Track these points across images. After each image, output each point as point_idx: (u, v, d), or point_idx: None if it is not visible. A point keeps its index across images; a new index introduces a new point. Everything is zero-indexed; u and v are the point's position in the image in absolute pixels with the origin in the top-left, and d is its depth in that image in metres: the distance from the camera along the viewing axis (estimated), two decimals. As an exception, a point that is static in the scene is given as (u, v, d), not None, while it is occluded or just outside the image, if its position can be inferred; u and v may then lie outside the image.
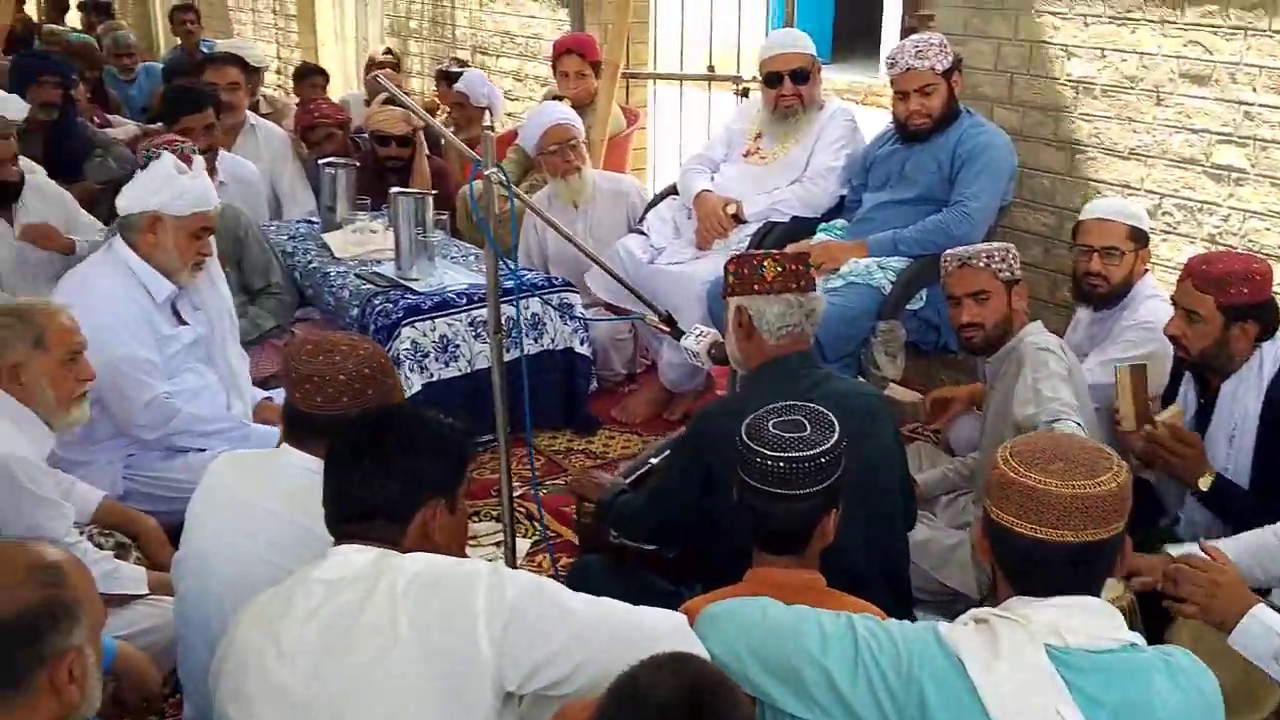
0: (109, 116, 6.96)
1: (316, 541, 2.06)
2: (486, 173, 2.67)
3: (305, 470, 2.24)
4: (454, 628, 1.71)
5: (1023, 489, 1.64)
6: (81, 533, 2.85)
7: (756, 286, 2.60)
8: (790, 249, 3.93)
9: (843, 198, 4.36)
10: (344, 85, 9.20)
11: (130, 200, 3.42)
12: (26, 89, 5.23)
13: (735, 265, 2.66)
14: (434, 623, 1.72)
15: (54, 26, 9.54)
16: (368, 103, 6.89)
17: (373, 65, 7.76)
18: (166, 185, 3.40)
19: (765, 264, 2.61)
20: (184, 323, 3.53)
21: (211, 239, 3.55)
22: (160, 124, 6.22)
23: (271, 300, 4.38)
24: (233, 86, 5.44)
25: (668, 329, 3.17)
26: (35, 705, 1.51)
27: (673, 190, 4.78)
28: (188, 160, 3.58)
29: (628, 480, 3.02)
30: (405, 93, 7.17)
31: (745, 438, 2.09)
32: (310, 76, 7.02)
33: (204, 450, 3.36)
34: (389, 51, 8.36)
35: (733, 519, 2.22)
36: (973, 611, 1.71)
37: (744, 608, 1.80)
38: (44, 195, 4.49)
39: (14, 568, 1.52)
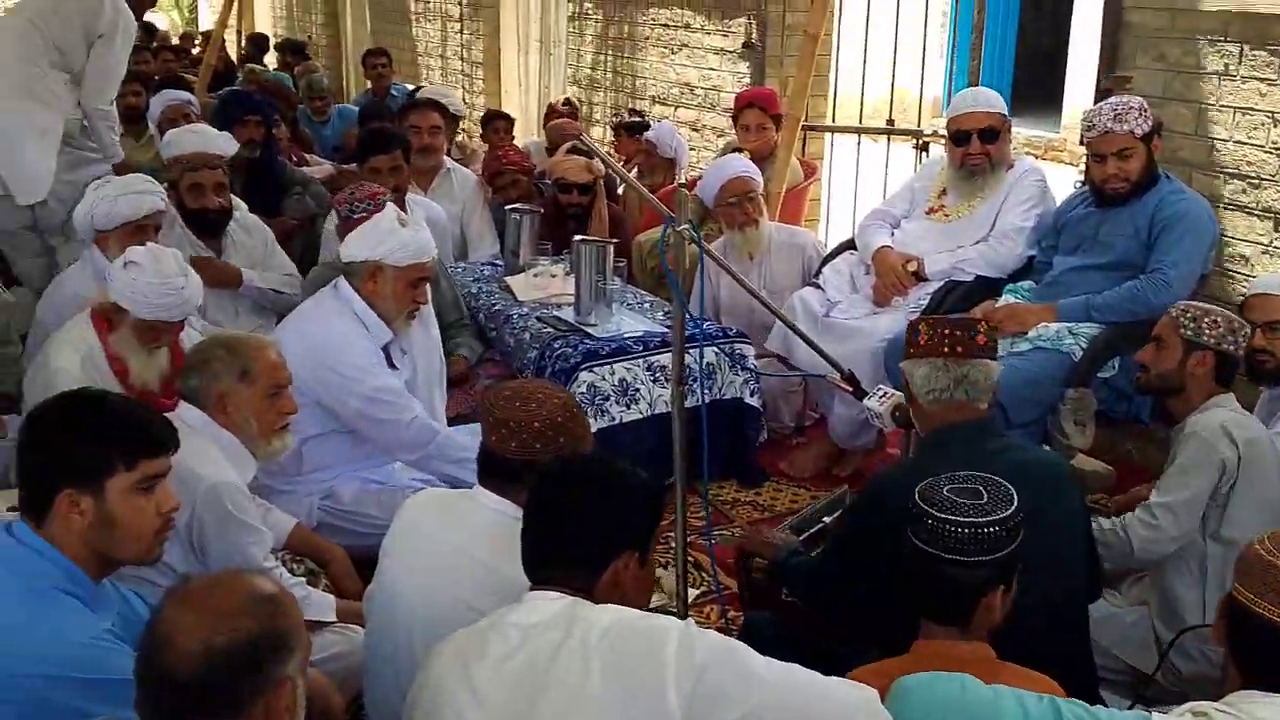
0: (305, 155, 7.31)
1: (507, 584, 2.11)
2: (679, 228, 2.70)
3: (497, 513, 2.30)
4: (644, 683, 1.73)
5: (1272, 570, 1.59)
6: (276, 559, 2.98)
7: (911, 349, 2.61)
8: (977, 310, 3.86)
9: (1030, 259, 4.27)
10: (525, 132, 9.47)
11: (354, 249, 3.61)
12: (231, 126, 5.54)
13: (908, 328, 2.68)
14: (625, 676, 1.74)
15: (254, 66, 10.09)
16: (549, 150, 7.07)
17: (552, 114, 7.98)
18: (390, 237, 3.57)
19: (921, 327, 2.61)
20: (394, 366, 3.68)
21: (427, 287, 3.71)
22: (354, 164, 6.56)
23: (468, 330, 4.58)
24: (434, 130, 5.65)
25: (850, 388, 3.14)
26: None
27: (850, 244, 4.76)
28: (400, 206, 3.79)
29: (800, 539, 3.00)
30: (586, 141, 7.36)
31: (918, 498, 2.07)
32: (495, 121, 7.28)
33: (399, 490, 3.50)
34: (568, 101, 8.59)
35: (904, 586, 2.19)
36: (1191, 705, 1.65)
37: (940, 683, 1.77)
38: (247, 229, 4.75)
39: (237, 598, 1.60)
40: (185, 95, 6.49)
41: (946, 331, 2.58)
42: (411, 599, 2.30)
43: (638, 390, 4.21)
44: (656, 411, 4.20)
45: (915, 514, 2.05)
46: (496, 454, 2.29)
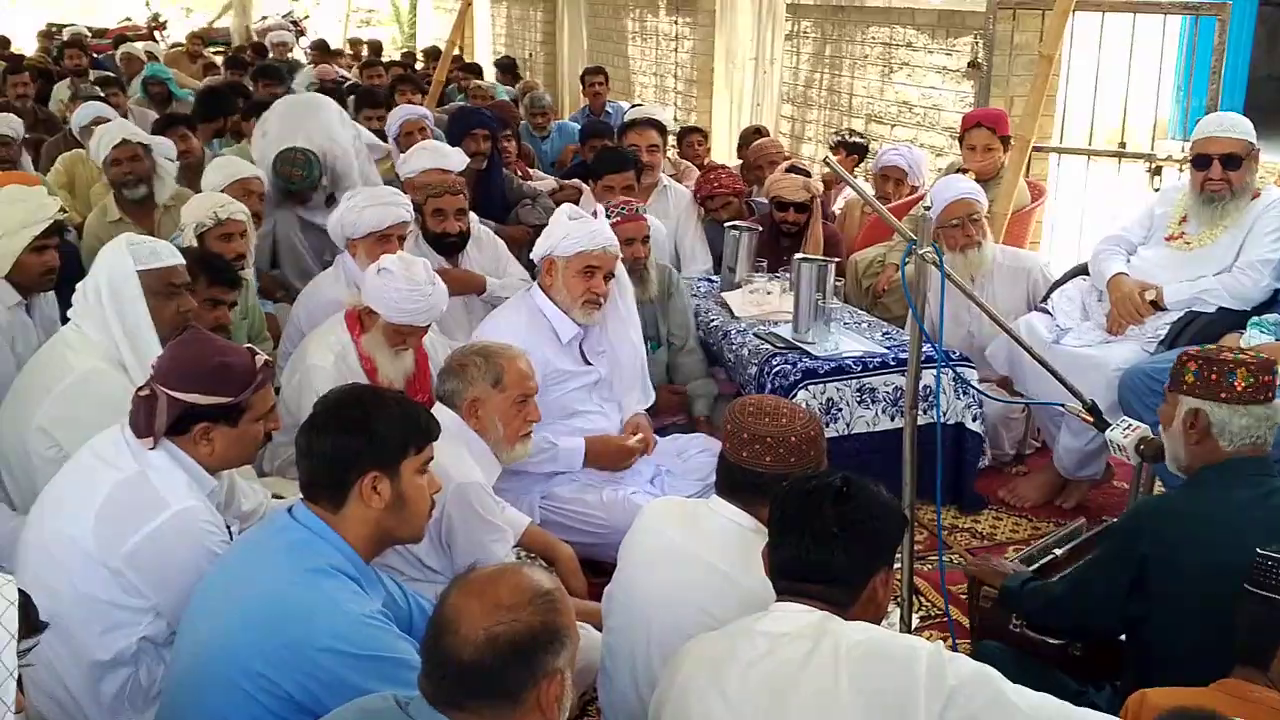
0: (529, 170, 7.56)
1: (744, 593, 2.17)
2: (920, 251, 2.70)
3: (735, 525, 2.36)
4: (893, 700, 1.75)
5: None
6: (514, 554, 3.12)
7: (1223, 394, 2.47)
8: (1223, 343, 3.71)
9: (1276, 292, 4.07)
10: (731, 149, 9.55)
11: (537, 248, 3.90)
12: (459, 140, 5.79)
13: (1199, 365, 2.54)
14: (874, 691, 1.76)
15: (479, 82, 10.49)
16: (745, 170, 7.05)
17: (746, 139, 7.96)
18: (557, 229, 3.83)
19: (1238, 372, 2.47)
20: (588, 363, 3.80)
21: (612, 283, 3.85)
22: (575, 179, 6.76)
23: (696, 358, 4.68)
24: (652, 149, 5.80)
25: (1090, 418, 3.07)
26: None
27: (1082, 269, 4.63)
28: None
29: (1031, 569, 2.95)
30: (798, 159, 7.38)
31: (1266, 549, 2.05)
32: (690, 135, 7.53)
33: (620, 490, 3.60)
34: (758, 130, 8.53)
35: (1166, 621, 2.14)
36: None
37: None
38: (480, 242, 4.96)
39: (520, 591, 1.70)
40: (421, 110, 6.77)
41: (1266, 379, 2.48)
42: (652, 602, 2.38)
43: (839, 410, 4.21)
44: (853, 431, 4.21)
45: (1265, 562, 2.03)
46: (746, 468, 2.34)
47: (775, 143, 7.54)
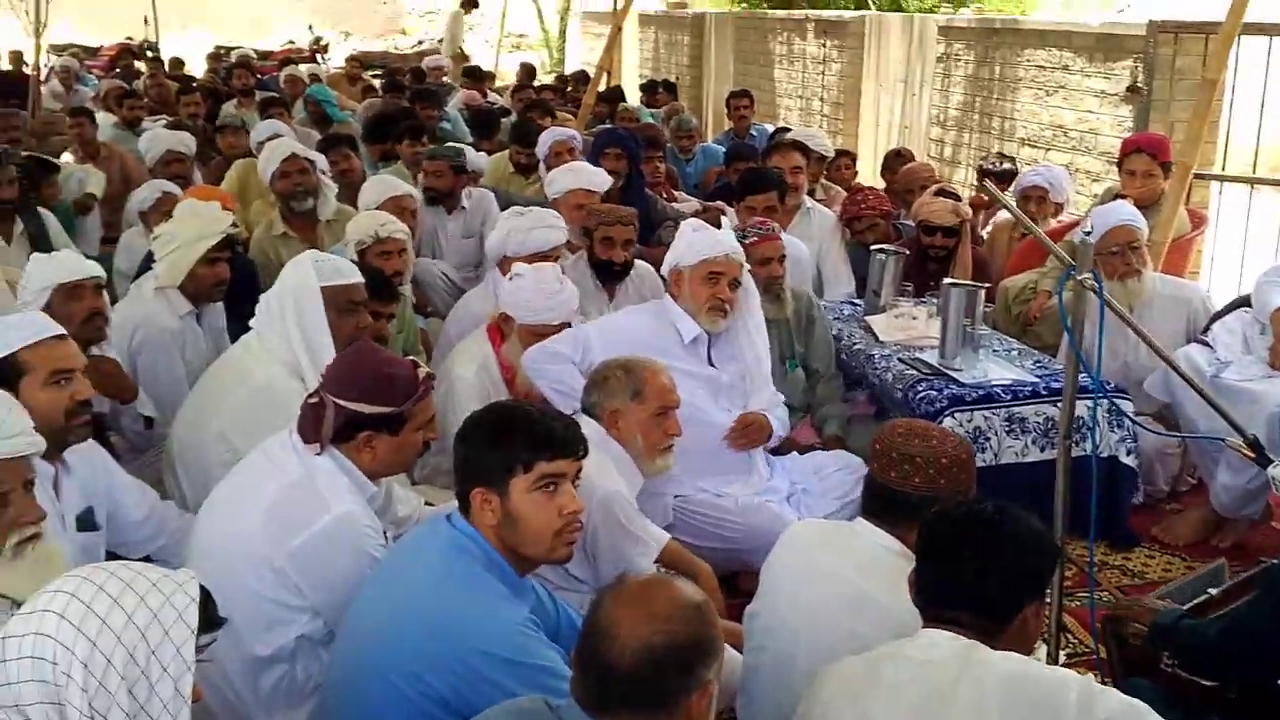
0: (674, 192, 7.63)
1: (890, 617, 2.16)
2: (1081, 277, 2.65)
3: (880, 546, 2.35)
4: (1042, 730, 1.72)
5: None
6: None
7: None
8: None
9: None
10: (877, 173, 9.47)
11: (665, 265, 3.99)
12: (598, 159, 5.89)
13: None
14: (1024, 720, 1.74)
15: (628, 105, 10.63)
16: (889, 192, 6.97)
17: (890, 158, 7.89)
18: (680, 240, 3.92)
19: None
20: (714, 365, 3.87)
21: (740, 292, 3.90)
22: (718, 201, 6.80)
23: (835, 385, 4.64)
24: (795, 171, 5.80)
25: (1252, 454, 2.95)
26: None
27: (1244, 301, 4.45)
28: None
29: (1184, 608, 2.84)
30: (948, 183, 7.27)
31: None
32: (838, 159, 7.51)
33: (756, 497, 3.62)
34: (899, 152, 8.42)
35: None
36: None
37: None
38: (641, 276, 4.94)
39: (676, 603, 1.74)
40: (570, 132, 6.90)
41: None
42: (797, 624, 2.38)
43: (988, 440, 4.13)
44: (1002, 462, 4.11)
45: None
46: (894, 489, 2.33)
47: (926, 166, 7.46)
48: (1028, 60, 7.67)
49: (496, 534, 2.35)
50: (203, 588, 1.79)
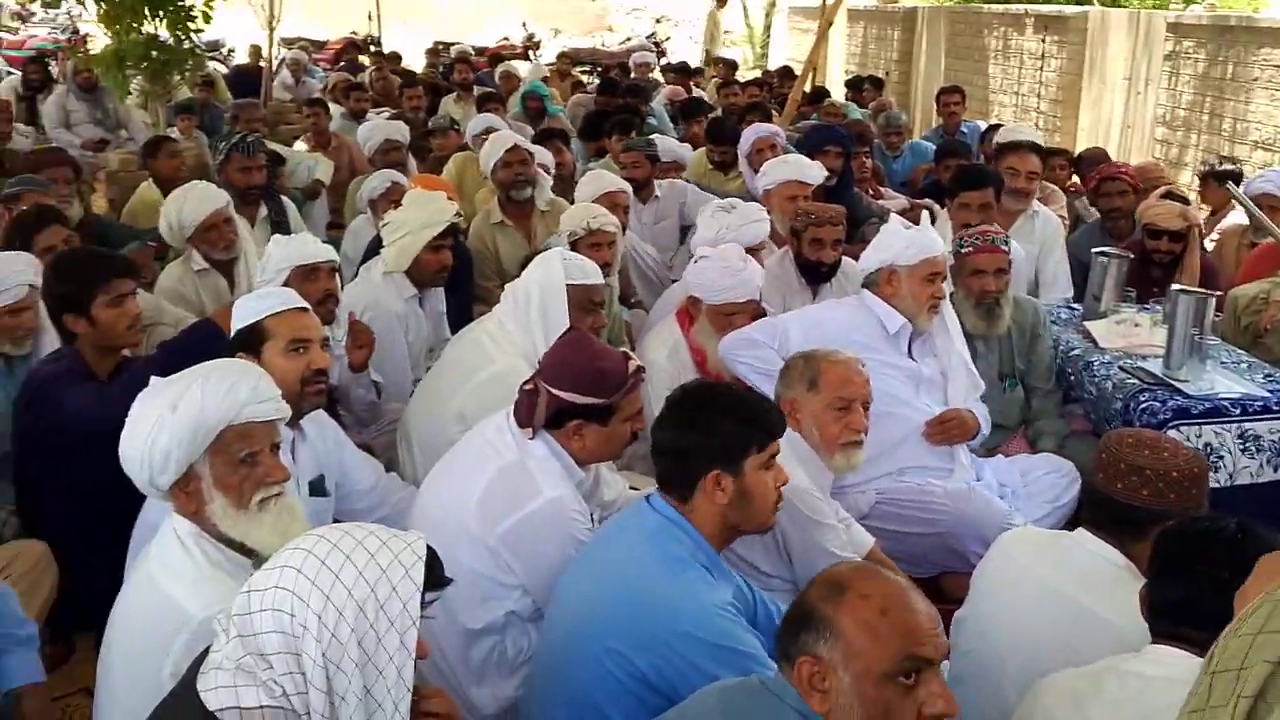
0: (880, 189, 7.52)
1: (1113, 633, 2.09)
2: (1332, 285, 2.49)
3: (1101, 559, 2.28)
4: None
5: None
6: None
7: None
8: None
9: None
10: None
11: (869, 259, 3.91)
12: (813, 155, 5.83)
13: None
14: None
15: (835, 101, 10.53)
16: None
17: (1089, 156, 7.52)
18: (896, 239, 3.83)
19: None
20: (913, 359, 3.84)
21: (943, 285, 3.83)
22: (927, 199, 6.67)
23: (1053, 401, 4.49)
24: (1031, 176, 5.51)
25: None
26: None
27: None
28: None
29: None
30: (1175, 185, 6.93)
31: None
32: (1054, 157, 7.14)
33: (968, 484, 3.57)
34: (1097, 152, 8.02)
35: None
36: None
37: None
38: (847, 275, 4.89)
39: (823, 579, 1.86)
40: (773, 128, 6.87)
41: None
42: (1009, 634, 2.33)
43: (1221, 459, 3.91)
44: (1236, 483, 3.89)
45: None
46: (1120, 501, 2.26)
47: (1157, 166, 7.14)
48: (1264, 59, 7.23)
49: (722, 513, 2.41)
50: (430, 548, 1.89)
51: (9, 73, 12.58)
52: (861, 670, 1.76)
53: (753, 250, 4.33)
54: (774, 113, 9.02)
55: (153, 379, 2.41)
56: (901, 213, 6.41)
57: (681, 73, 13.00)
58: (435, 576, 1.88)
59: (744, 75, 14.24)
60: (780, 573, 3.02)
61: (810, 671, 1.80)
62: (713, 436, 2.40)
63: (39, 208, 4.39)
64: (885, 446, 3.62)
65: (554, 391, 2.78)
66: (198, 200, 4.61)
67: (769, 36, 21.79)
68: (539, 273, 3.64)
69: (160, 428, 2.27)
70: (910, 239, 3.81)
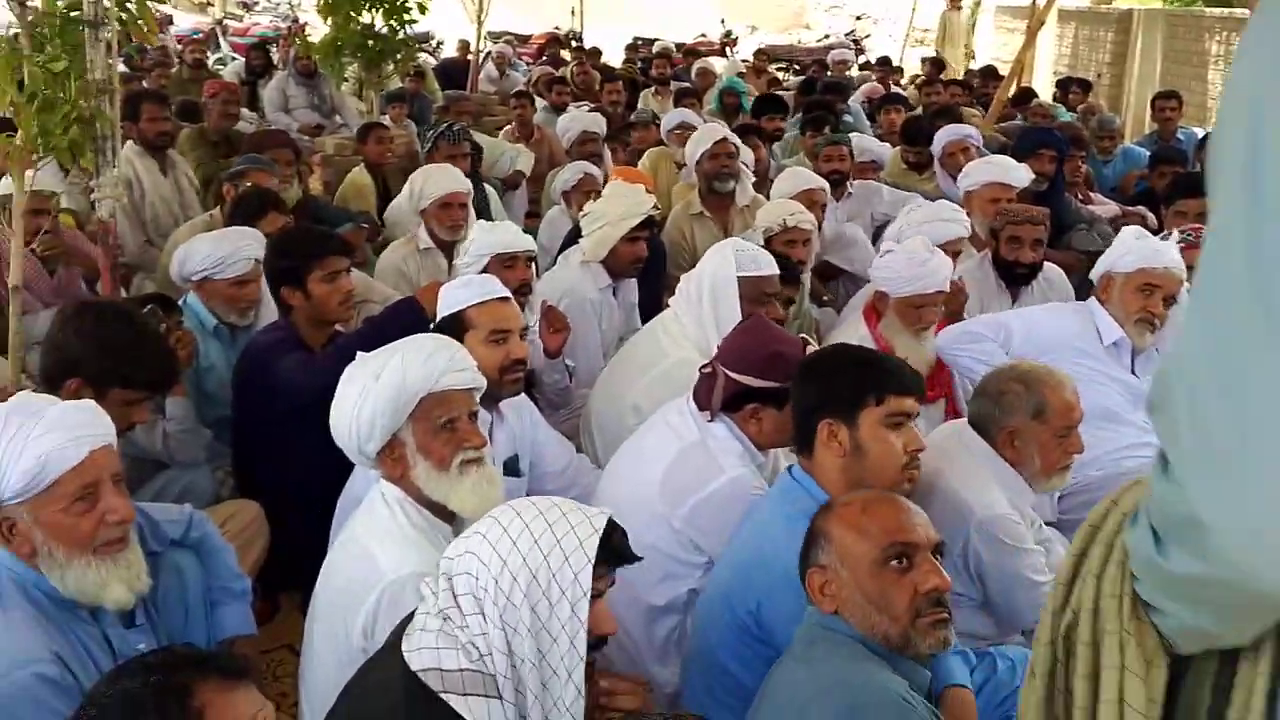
0: (1090, 194, 7.23)
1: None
2: None
3: None
4: None
5: None
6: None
7: None
8: None
9: None
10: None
11: (1096, 269, 3.83)
12: (1024, 158, 5.65)
13: None
14: None
15: (1043, 102, 10.18)
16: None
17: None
18: (1120, 246, 3.75)
19: None
20: (1135, 374, 3.72)
21: (1173, 309, 3.70)
22: (1139, 206, 6.39)
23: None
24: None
25: None
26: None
27: None
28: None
29: None
30: None
31: None
32: None
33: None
34: None
35: None
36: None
37: None
38: (1050, 280, 4.72)
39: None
40: (966, 130, 6.67)
41: None
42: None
43: None
44: None
45: None
46: None
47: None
48: None
49: (843, 468, 2.43)
50: (616, 524, 1.93)
51: (233, 58, 13.33)
52: (854, 563, 2.03)
53: (947, 250, 4.23)
54: (977, 114, 8.80)
55: (359, 354, 2.54)
56: (1111, 220, 6.20)
57: (884, 66, 12.81)
58: (620, 552, 1.93)
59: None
60: (966, 590, 2.91)
61: (820, 581, 2.07)
62: (827, 387, 2.47)
63: (259, 193, 4.63)
64: (1094, 462, 3.49)
65: (731, 375, 2.82)
66: (443, 176, 4.86)
67: (973, 35, 21.19)
68: (711, 265, 3.64)
69: (366, 396, 2.41)
70: (1133, 246, 3.70)
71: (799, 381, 2.58)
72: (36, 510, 2.08)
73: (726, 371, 2.83)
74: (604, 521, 1.91)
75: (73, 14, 3.55)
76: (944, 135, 6.51)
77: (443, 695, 1.80)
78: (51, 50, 3.46)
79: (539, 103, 9.40)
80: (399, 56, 8.68)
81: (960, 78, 12.11)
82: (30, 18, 3.55)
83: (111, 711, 1.60)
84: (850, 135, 6.61)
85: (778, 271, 3.69)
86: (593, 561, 1.85)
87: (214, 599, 2.57)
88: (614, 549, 1.91)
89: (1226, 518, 0.94)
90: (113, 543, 2.16)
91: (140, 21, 3.74)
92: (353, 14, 8.26)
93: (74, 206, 5.18)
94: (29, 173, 3.60)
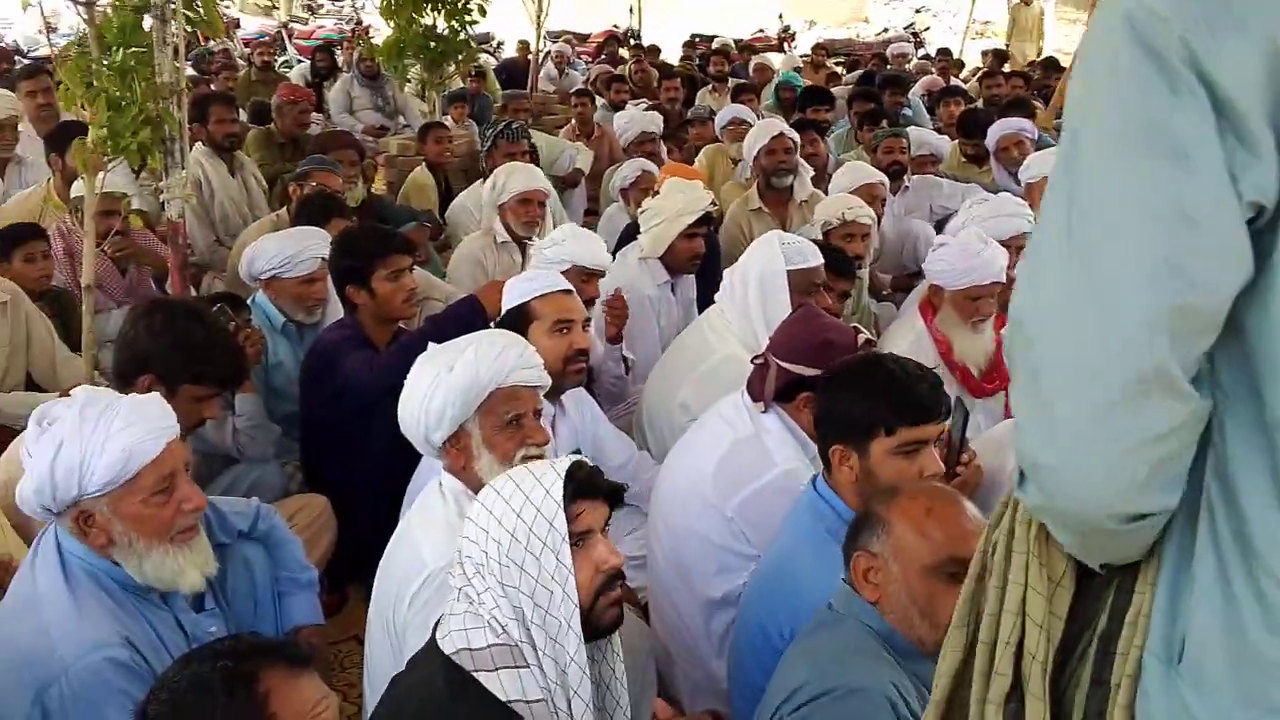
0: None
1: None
2: None
3: None
4: None
5: None
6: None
7: None
8: None
9: None
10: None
11: None
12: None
13: None
14: None
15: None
16: None
17: None
18: None
19: None
20: None
21: None
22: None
23: None
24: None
25: None
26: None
27: None
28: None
29: None
30: None
31: None
32: None
33: None
34: None
35: None
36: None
37: None
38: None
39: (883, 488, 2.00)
40: (1022, 123, 6.57)
41: None
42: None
43: None
44: None
45: None
46: None
47: None
48: None
49: (856, 492, 2.41)
50: (582, 463, 1.98)
51: (298, 60, 13.53)
52: (908, 563, 1.98)
53: (1011, 245, 4.19)
54: (1039, 107, 8.69)
55: (430, 345, 2.60)
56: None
57: (944, 58, 12.69)
58: (590, 483, 1.96)
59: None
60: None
61: (865, 566, 2.04)
62: (840, 410, 2.43)
63: (324, 198, 4.70)
64: None
65: (782, 364, 2.82)
66: (525, 173, 4.93)
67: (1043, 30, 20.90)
68: (757, 259, 3.64)
69: (437, 386, 2.46)
70: None
71: (816, 399, 2.57)
72: (117, 503, 2.14)
73: (778, 362, 2.84)
74: (566, 465, 1.95)
75: (139, 12, 3.62)
76: (998, 129, 6.50)
77: (475, 675, 1.85)
78: (119, 53, 3.53)
79: (598, 101, 9.45)
80: (460, 57, 8.76)
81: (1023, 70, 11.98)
82: (98, 21, 3.63)
83: (182, 694, 1.67)
84: (908, 128, 6.58)
85: (823, 261, 3.69)
86: (562, 506, 1.89)
87: (282, 589, 2.63)
88: (583, 482, 1.95)
89: (1044, 454, 1.06)
90: (187, 530, 2.23)
91: (207, 21, 3.81)
92: (415, 16, 8.34)
93: (144, 207, 5.30)
94: (99, 174, 3.69)
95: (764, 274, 3.59)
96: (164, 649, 2.19)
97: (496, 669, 1.84)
